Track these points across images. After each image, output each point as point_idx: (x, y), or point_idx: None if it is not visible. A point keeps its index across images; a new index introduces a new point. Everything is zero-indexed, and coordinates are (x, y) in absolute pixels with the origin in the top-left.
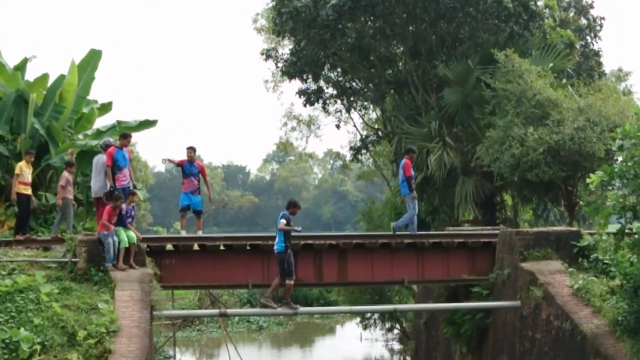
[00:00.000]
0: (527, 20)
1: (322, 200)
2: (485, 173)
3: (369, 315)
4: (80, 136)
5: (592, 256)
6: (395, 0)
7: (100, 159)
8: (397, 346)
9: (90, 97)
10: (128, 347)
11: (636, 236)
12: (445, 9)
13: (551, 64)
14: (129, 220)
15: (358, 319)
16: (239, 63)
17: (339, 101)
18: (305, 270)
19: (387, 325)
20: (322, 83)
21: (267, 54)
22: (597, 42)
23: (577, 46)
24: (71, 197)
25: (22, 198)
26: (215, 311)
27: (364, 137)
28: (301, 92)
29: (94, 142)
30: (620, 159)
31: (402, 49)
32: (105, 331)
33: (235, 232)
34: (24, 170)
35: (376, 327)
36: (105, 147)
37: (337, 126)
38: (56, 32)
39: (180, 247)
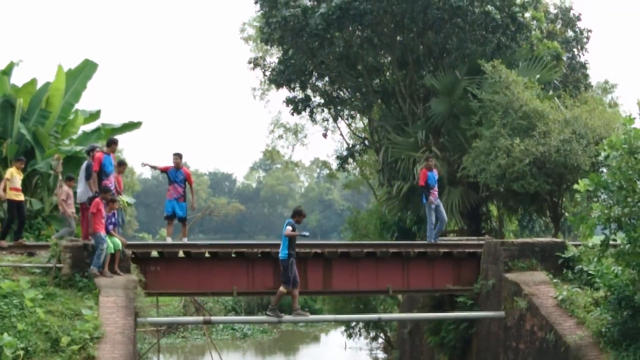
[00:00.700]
0: (515, 31)
1: (308, 208)
2: (471, 183)
3: (353, 324)
4: (66, 141)
5: (576, 267)
6: (384, 11)
7: (90, 165)
8: (381, 355)
9: (80, 104)
10: (112, 353)
11: (620, 247)
12: (433, 20)
13: (538, 76)
14: (111, 226)
15: (342, 328)
16: (227, 71)
17: (326, 110)
18: None
19: (372, 334)
20: (309, 92)
21: (255, 63)
22: (583, 55)
23: (564, 58)
24: (73, 210)
25: (12, 204)
26: (200, 318)
27: (350, 146)
28: (289, 101)
29: (79, 148)
30: (605, 170)
31: (389, 58)
32: (89, 337)
33: (221, 240)
34: (15, 175)
35: (360, 336)
36: (89, 152)
37: (324, 135)
38: (45, 39)
39: (166, 254)
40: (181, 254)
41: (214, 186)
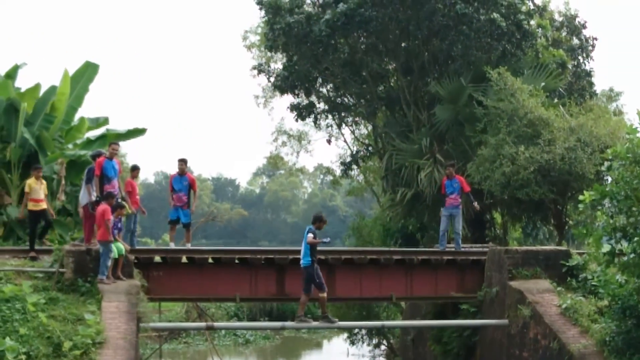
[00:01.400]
0: (520, 39)
1: (312, 214)
2: (475, 191)
3: (356, 330)
4: (70, 146)
5: (580, 276)
6: (389, 17)
7: (91, 169)
8: None
9: (83, 109)
10: (114, 358)
11: (625, 258)
12: (439, 27)
13: (543, 83)
14: (116, 231)
15: (345, 335)
16: (230, 76)
17: (330, 116)
18: (294, 285)
19: (375, 341)
20: (313, 98)
21: (259, 69)
22: (589, 62)
23: (569, 66)
24: None
25: (32, 214)
26: (202, 324)
27: (354, 152)
28: (293, 107)
29: (83, 152)
30: (610, 179)
31: (394, 65)
32: (91, 342)
33: (223, 245)
34: (33, 187)
35: (363, 342)
36: (94, 157)
37: (328, 141)
38: (49, 42)
39: (169, 259)
40: (184, 259)
41: (217, 191)
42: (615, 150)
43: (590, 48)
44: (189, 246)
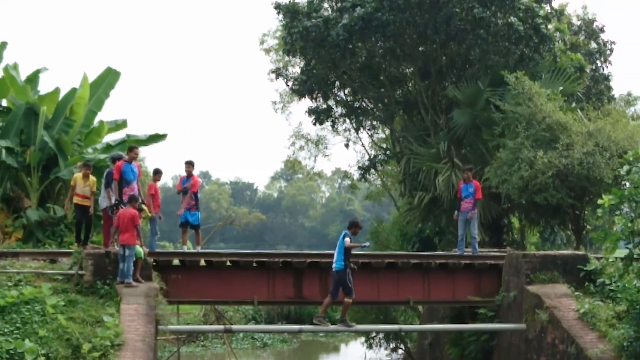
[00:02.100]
0: (538, 43)
1: (329, 219)
2: (493, 195)
3: (373, 334)
4: (90, 150)
5: (598, 281)
6: (406, 21)
7: (110, 172)
8: None
9: (103, 113)
10: None
11: None
12: (456, 31)
13: (561, 88)
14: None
15: (362, 338)
16: (249, 81)
17: (348, 120)
18: (311, 288)
19: (392, 345)
20: (331, 102)
21: (277, 73)
22: (606, 67)
23: (587, 70)
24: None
25: (78, 208)
26: (221, 327)
27: (372, 156)
28: (310, 111)
29: (102, 156)
30: (628, 183)
31: (412, 69)
32: (109, 344)
33: (241, 249)
34: (79, 182)
35: (380, 346)
36: (113, 160)
37: (346, 145)
38: (69, 47)
39: (187, 262)
40: (202, 262)
41: (235, 195)
42: (637, 152)
43: (608, 52)
44: (199, 249)
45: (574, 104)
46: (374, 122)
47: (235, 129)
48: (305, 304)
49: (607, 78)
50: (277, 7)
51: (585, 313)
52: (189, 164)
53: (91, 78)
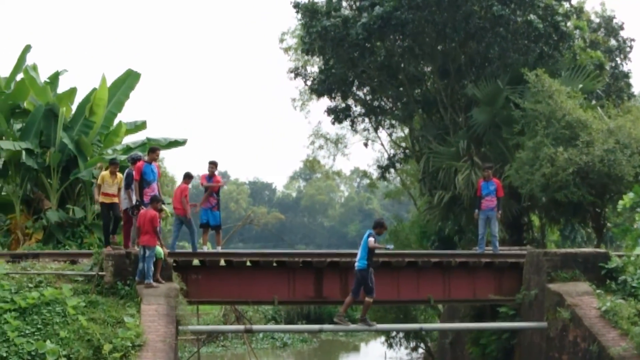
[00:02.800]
0: (557, 41)
1: (348, 218)
2: (512, 193)
3: (394, 333)
4: (109, 151)
5: (620, 278)
6: (425, 20)
7: (130, 173)
8: None
9: (123, 114)
10: None
11: None
12: (475, 29)
13: (581, 85)
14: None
15: (383, 338)
16: (267, 80)
17: (366, 119)
18: (331, 287)
19: (412, 344)
20: (350, 101)
21: (296, 72)
22: (626, 64)
23: (607, 67)
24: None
25: (104, 206)
26: (241, 327)
27: (391, 155)
28: (329, 110)
29: (122, 157)
30: None
31: (431, 68)
32: (130, 345)
33: (261, 249)
34: (106, 180)
35: (401, 346)
36: (133, 160)
37: (365, 144)
38: (90, 49)
39: (207, 262)
40: (222, 262)
41: (254, 195)
42: None
43: (627, 49)
44: (219, 249)
45: (594, 102)
46: (393, 121)
47: (254, 129)
48: (325, 304)
49: (627, 75)
50: (296, 6)
51: (606, 311)
52: (213, 164)
53: (111, 80)
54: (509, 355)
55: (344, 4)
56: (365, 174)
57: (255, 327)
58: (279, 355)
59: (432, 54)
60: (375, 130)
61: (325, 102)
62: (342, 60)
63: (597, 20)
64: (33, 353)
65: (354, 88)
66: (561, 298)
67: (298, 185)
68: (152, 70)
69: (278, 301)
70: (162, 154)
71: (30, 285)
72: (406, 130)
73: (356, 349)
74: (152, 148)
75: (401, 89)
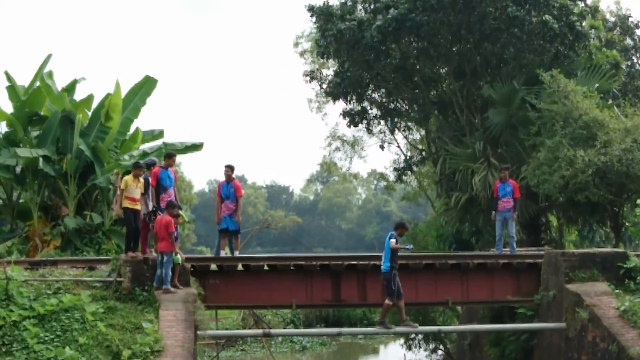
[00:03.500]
0: (573, 40)
1: (366, 220)
2: (530, 194)
3: (412, 336)
4: (126, 157)
5: (638, 278)
6: (440, 22)
7: (146, 179)
8: None
9: (139, 119)
10: None
11: None
12: (490, 30)
13: (597, 85)
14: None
15: (402, 340)
16: (283, 83)
17: (383, 122)
18: (349, 290)
19: (431, 346)
20: (366, 104)
21: (312, 76)
22: None
23: (623, 66)
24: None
25: (129, 213)
26: (259, 331)
27: (408, 157)
28: (345, 113)
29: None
30: None
31: (446, 69)
32: (149, 350)
33: (278, 253)
34: (130, 184)
35: (420, 348)
36: (148, 166)
37: (381, 147)
38: (108, 58)
39: (224, 267)
40: (240, 267)
41: (271, 199)
42: None
43: None
44: (236, 253)
45: (610, 101)
46: (409, 123)
47: (270, 132)
48: (343, 307)
49: None
50: (311, 9)
51: (625, 311)
52: (229, 168)
53: (129, 86)
54: (528, 356)
55: (359, 7)
56: (382, 176)
57: (273, 331)
58: (298, 359)
59: (447, 56)
60: (392, 132)
61: (341, 105)
62: (357, 63)
63: (613, 19)
64: None
65: (370, 91)
66: (580, 298)
67: (315, 188)
68: (169, 76)
69: (296, 305)
70: (179, 158)
71: (48, 292)
72: (422, 132)
73: (375, 351)
74: (169, 154)
75: (417, 90)
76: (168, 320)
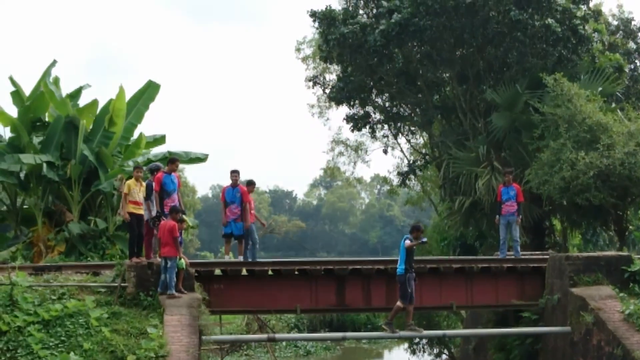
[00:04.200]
0: (576, 44)
1: (369, 225)
2: (534, 198)
3: (417, 340)
4: (130, 162)
5: None
6: (443, 26)
7: (150, 184)
8: None
9: (142, 125)
10: None
11: None
12: (493, 34)
13: (600, 88)
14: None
15: (406, 344)
16: (286, 89)
17: (386, 126)
18: (354, 295)
19: (436, 350)
20: (369, 108)
21: (314, 81)
22: None
23: (626, 70)
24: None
25: (132, 218)
26: (264, 336)
27: (411, 162)
28: (349, 118)
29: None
30: None
31: (449, 73)
32: (154, 356)
33: (282, 257)
34: (133, 188)
35: (424, 352)
36: (152, 171)
37: (385, 151)
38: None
39: (229, 272)
40: (244, 272)
41: (275, 204)
42: None
43: None
44: (241, 259)
45: (613, 104)
46: (412, 128)
47: (274, 137)
48: (347, 311)
49: None
50: (313, 14)
51: (630, 314)
52: (235, 173)
53: (133, 92)
54: None
55: (361, 11)
56: (385, 181)
57: (278, 335)
58: None
59: (450, 60)
60: (395, 136)
61: (344, 109)
62: (360, 67)
63: (615, 22)
64: None
65: (373, 95)
66: (584, 302)
67: (318, 193)
68: (173, 83)
69: (300, 310)
70: (183, 164)
71: (53, 297)
72: (425, 137)
73: (379, 355)
74: (172, 159)
75: (420, 95)
76: (172, 326)
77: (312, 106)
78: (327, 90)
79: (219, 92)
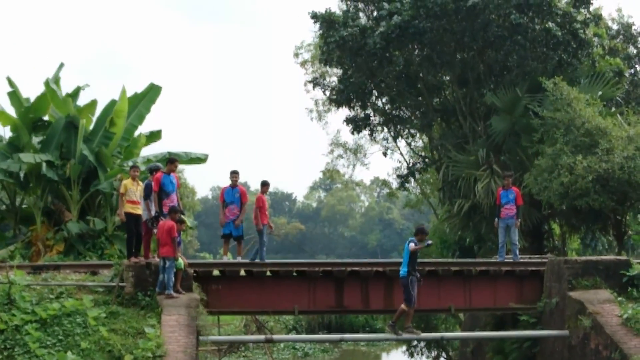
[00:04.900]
0: (576, 48)
1: (369, 228)
2: (533, 201)
3: (415, 343)
4: (130, 162)
5: None
6: (443, 29)
7: (149, 184)
8: None
9: (143, 126)
10: None
11: None
12: (494, 37)
13: (600, 92)
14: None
15: (404, 347)
16: (286, 91)
17: (385, 129)
18: (352, 297)
19: (434, 353)
20: (369, 111)
21: (315, 83)
22: None
23: (626, 74)
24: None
25: (130, 218)
26: (262, 337)
27: (410, 164)
28: (348, 120)
29: (142, 169)
30: None
31: (449, 77)
32: (151, 356)
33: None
34: (129, 187)
35: (422, 355)
36: (151, 171)
37: (384, 154)
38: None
39: (227, 272)
40: (242, 272)
41: (274, 206)
42: None
43: None
44: (239, 259)
45: (613, 109)
46: (412, 130)
47: (273, 140)
48: (346, 313)
49: None
50: (314, 17)
51: (628, 318)
52: (235, 174)
53: (132, 93)
54: None
55: (361, 14)
56: (385, 184)
57: (276, 337)
58: None
59: (450, 63)
60: (395, 139)
61: (344, 111)
62: (360, 70)
63: (616, 27)
64: None
65: (373, 97)
66: (582, 306)
67: (318, 196)
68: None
69: (299, 311)
70: (182, 165)
71: (51, 296)
72: (425, 139)
73: (377, 358)
74: (171, 159)
75: (420, 98)
76: (170, 326)
77: (311, 110)
78: (327, 93)
79: (220, 93)
